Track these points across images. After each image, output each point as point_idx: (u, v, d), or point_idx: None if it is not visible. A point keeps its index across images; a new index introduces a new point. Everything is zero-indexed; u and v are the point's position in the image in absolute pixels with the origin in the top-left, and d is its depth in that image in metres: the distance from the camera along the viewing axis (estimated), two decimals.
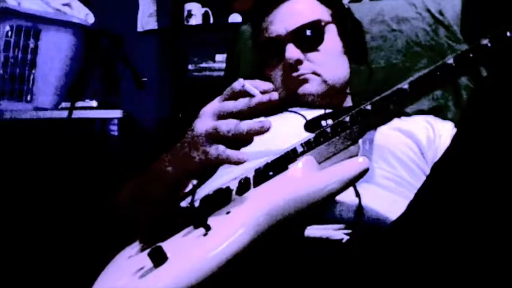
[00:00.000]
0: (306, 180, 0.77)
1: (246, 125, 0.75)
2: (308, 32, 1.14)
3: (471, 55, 0.76)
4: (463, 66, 0.77)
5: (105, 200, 1.01)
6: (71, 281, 1.31)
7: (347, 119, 0.82)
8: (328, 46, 1.15)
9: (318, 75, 1.13)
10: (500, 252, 0.61)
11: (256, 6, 1.24)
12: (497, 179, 0.62)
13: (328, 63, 1.15)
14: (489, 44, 0.74)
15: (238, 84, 0.78)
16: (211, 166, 0.79)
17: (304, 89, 1.13)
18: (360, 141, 0.82)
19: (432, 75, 0.78)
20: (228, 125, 0.76)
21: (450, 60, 0.77)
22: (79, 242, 1.45)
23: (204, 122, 0.78)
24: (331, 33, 1.17)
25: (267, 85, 0.77)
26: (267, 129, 0.75)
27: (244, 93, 0.77)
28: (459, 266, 0.63)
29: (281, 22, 1.15)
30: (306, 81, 1.13)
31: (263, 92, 0.76)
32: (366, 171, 0.73)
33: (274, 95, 0.75)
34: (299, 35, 1.13)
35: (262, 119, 0.76)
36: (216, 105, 0.79)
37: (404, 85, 0.80)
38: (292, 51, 1.12)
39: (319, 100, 1.12)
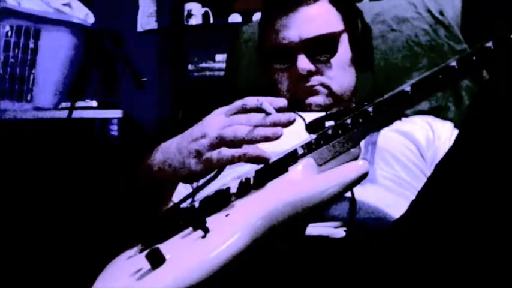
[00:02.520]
0: (305, 183, 0.77)
1: (260, 130, 0.74)
2: (322, 46, 1.12)
3: (474, 58, 0.75)
4: (466, 69, 0.76)
5: (107, 197, 1.01)
6: (71, 281, 1.31)
7: (348, 121, 0.82)
8: (339, 58, 1.14)
9: (327, 87, 1.13)
10: (504, 253, 0.60)
11: (268, 7, 1.21)
12: (499, 180, 0.61)
13: (338, 75, 1.14)
14: (493, 47, 0.74)
15: (253, 101, 0.77)
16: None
17: (313, 100, 1.13)
18: (362, 143, 0.82)
19: (435, 78, 0.78)
20: (241, 132, 0.75)
21: (453, 63, 0.77)
22: (78, 242, 1.45)
23: (211, 134, 0.77)
24: (343, 44, 1.16)
25: (282, 101, 0.77)
26: (279, 137, 0.75)
27: (256, 109, 0.76)
28: (461, 265, 0.63)
29: (295, 28, 1.12)
30: (315, 92, 1.13)
31: (278, 110, 0.75)
32: (365, 174, 0.72)
33: (293, 117, 0.74)
34: (312, 46, 1.12)
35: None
36: (223, 118, 0.78)
37: (407, 87, 0.80)
38: (304, 63, 1.11)
39: (325, 110, 1.10)
